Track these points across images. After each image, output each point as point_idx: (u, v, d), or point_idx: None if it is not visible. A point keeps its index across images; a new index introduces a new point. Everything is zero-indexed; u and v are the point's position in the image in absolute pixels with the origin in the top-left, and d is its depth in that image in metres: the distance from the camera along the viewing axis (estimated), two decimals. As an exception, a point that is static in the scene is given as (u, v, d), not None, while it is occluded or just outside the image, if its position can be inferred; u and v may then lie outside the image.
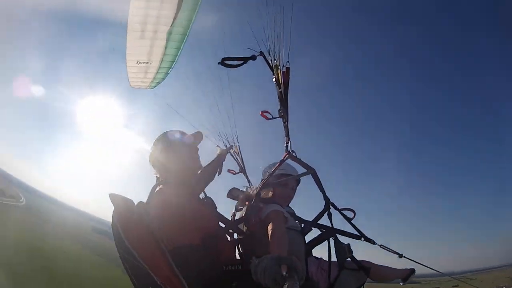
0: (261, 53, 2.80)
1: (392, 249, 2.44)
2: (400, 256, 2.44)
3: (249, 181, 3.34)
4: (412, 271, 2.43)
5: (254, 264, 1.44)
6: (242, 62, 2.82)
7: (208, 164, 2.94)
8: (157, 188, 2.03)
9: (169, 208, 1.85)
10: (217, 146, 3.47)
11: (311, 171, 2.47)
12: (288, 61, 2.64)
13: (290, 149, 2.61)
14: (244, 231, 2.44)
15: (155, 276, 1.55)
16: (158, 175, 2.24)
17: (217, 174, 3.04)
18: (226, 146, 3.43)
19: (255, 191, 2.60)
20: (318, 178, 2.46)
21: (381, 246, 2.41)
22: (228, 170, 3.25)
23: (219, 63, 2.78)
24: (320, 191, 2.46)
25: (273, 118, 2.80)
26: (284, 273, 1.30)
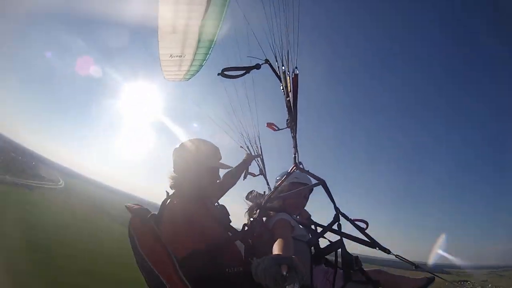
0: (267, 61, 2.67)
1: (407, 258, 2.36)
2: (416, 266, 2.40)
3: (268, 184, 3.35)
4: (430, 280, 2.25)
5: (255, 264, 1.44)
6: (244, 72, 2.73)
7: (233, 168, 2.94)
8: (168, 202, 2.14)
9: (179, 223, 1.97)
10: (241, 147, 3.43)
11: (321, 182, 2.44)
12: (296, 67, 2.49)
13: (297, 161, 2.57)
14: (250, 242, 2.40)
15: (163, 279, 1.82)
16: (171, 180, 2.27)
17: (242, 178, 3.14)
18: (247, 146, 3.41)
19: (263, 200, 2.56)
20: (328, 189, 2.41)
21: (396, 256, 2.33)
22: (249, 173, 3.28)
23: (219, 74, 2.70)
24: (331, 201, 2.40)
25: (279, 129, 2.79)
26: (285, 273, 1.29)
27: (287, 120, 2.60)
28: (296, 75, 2.47)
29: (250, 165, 3.25)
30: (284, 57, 2.58)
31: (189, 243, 1.83)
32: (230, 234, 2.25)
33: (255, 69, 2.75)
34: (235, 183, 3.01)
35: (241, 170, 3.15)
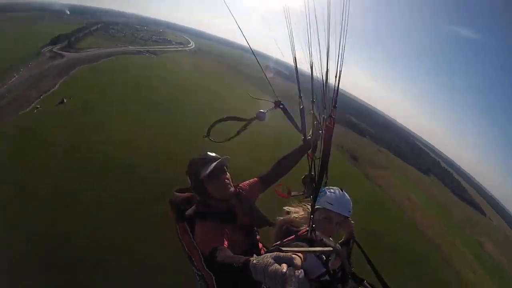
0: (278, 104, 2.23)
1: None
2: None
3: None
4: None
5: (253, 263, 1.41)
6: (240, 130, 2.46)
7: (292, 151, 2.70)
8: (198, 220, 2.31)
9: (206, 238, 2.18)
10: (311, 111, 2.34)
11: (336, 250, 2.19)
12: (335, 106, 1.74)
13: (314, 233, 2.14)
14: None
15: (196, 264, 2.32)
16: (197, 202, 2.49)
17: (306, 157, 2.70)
18: (314, 107, 2.28)
19: (302, 225, 2.46)
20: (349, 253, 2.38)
21: None
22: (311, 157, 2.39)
23: (204, 136, 2.53)
24: (347, 263, 2.23)
25: (292, 196, 2.53)
26: (284, 271, 1.24)
27: (306, 188, 2.26)
28: (332, 119, 1.75)
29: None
30: (320, 85, 1.84)
31: (211, 244, 2.01)
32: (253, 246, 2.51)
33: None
34: (291, 168, 2.74)
35: (304, 151, 2.65)
